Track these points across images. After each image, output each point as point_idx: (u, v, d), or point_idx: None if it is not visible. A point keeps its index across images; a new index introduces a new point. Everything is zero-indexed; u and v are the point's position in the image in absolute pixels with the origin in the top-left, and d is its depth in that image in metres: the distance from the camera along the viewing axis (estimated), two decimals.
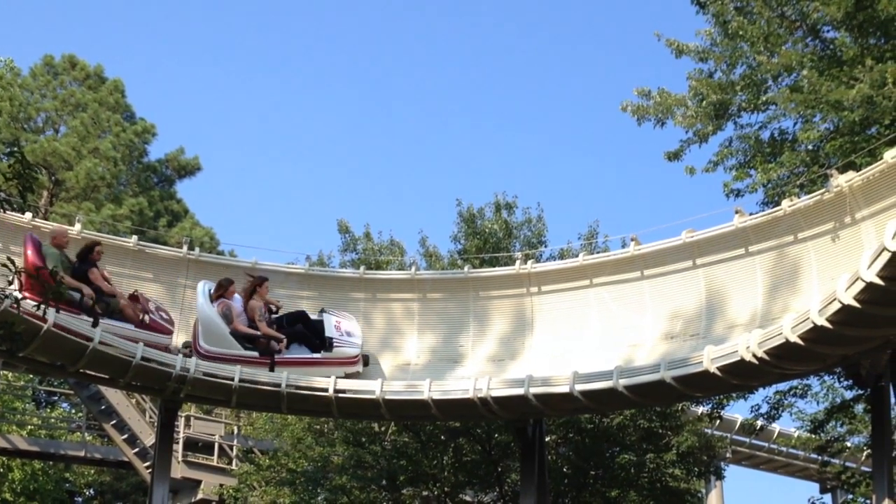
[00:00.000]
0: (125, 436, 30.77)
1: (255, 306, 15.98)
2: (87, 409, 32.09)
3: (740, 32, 17.83)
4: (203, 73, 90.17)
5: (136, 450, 30.82)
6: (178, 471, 31.03)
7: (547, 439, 20.26)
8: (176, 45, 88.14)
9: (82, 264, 15.23)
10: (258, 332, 15.78)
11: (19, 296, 11.56)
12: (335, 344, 15.89)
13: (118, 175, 38.17)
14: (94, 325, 14.60)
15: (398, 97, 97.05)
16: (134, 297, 15.68)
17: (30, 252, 14.79)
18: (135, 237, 16.99)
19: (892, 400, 13.86)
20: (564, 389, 14.30)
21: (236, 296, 16.08)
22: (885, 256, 10.45)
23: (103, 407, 30.52)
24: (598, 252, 21.94)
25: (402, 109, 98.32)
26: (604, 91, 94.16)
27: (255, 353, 15.64)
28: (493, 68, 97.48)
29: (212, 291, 15.96)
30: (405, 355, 17.05)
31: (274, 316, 16.43)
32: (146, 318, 15.48)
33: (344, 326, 16.30)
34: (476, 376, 15.14)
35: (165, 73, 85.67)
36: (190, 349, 15.78)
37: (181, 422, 31.54)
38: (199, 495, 32.60)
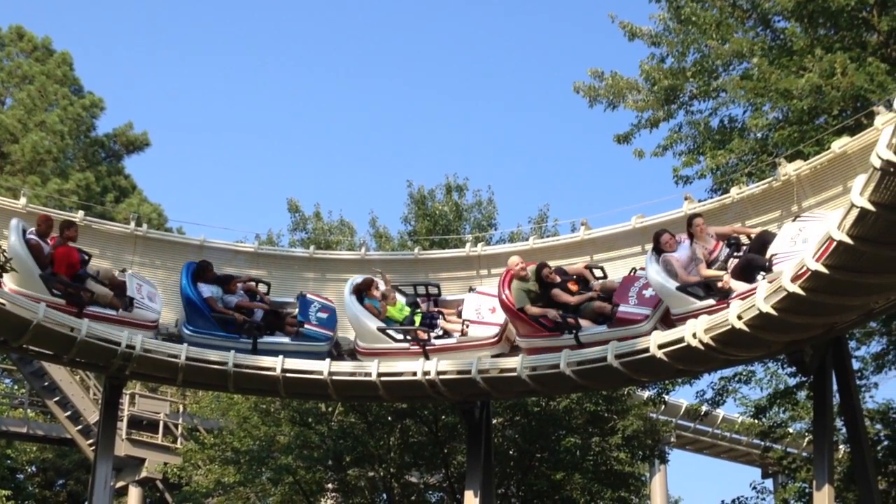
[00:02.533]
0: (68, 413, 30.54)
1: (693, 250, 13.86)
2: (30, 385, 31.78)
3: (693, 18, 17.95)
4: (153, 48, 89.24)
5: (80, 427, 30.60)
6: (122, 449, 30.88)
7: (494, 421, 20.34)
8: (125, 18, 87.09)
9: (545, 289, 14.76)
10: (700, 278, 13.60)
11: None
12: (774, 263, 12.93)
13: (65, 149, 37.63)
14: (578, 342, 14.20)
15: (350, 76, 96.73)
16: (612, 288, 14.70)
17: (505, 293, 14.72)
18: (81, 212, 16.73)
19: (834, 387, 14.02)
20: (512, 372, 14.34)
21: (683, 244, 13.94)
22: (831, 245, 10.56)
23: (46, 383, 30.25)
24: (547, 236, 22.01)
25: (355, 89, 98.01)
26: (556, 75, 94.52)
27: (712, 301, 13.29)
28: (445, 49, 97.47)
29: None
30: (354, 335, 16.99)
31: (744, 246, 13.99)
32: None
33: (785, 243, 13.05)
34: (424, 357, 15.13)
35: (115, 47, 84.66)
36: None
37: (125, 399, 31.34)
38: (143, 473, 32.48)
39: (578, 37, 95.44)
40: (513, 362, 14.41)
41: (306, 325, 15.74)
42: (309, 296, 16.39)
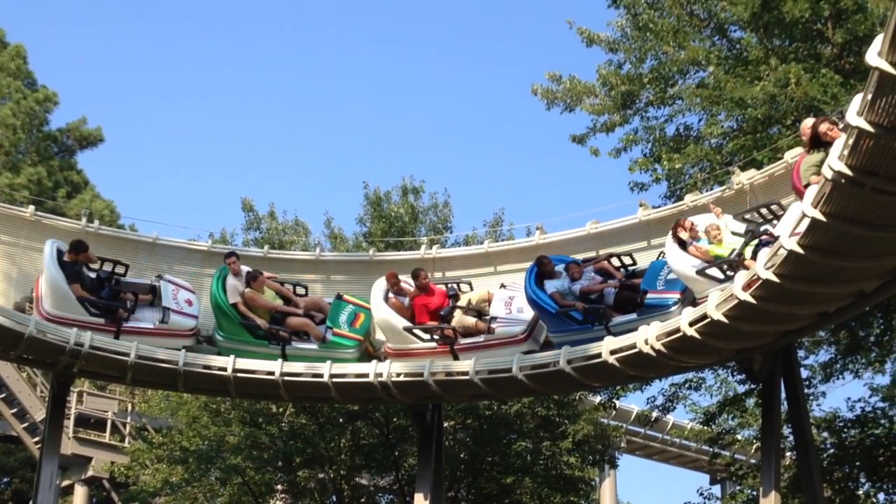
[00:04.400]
0: (14, 410, 30.17)
1: None
2: None
3: (650, 25, 18.06)
4: (108, 43, 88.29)
5: (26, 424, 30.23)
6: (69, 447, 30.53)
7: (445, 424, 20.33)
8: (80, 12, 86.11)
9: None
10: None
11: None
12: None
13: (17, 143, 37.10)
14: None
15: (305, 75, 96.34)
16: None
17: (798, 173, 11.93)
18: (32, 207, 16.52)
19: (783, 395, 14.16)
20: (464, 375, 14.34)
21: None
22: (783, 254, 10.67)
23: None
24: (503, 239, 22.08)
25: (310, 88, 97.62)
26: (513, 79, 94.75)
27: None
28: (402, 49, 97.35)
29: None
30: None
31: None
32: None
33: None
34: (378, 359, 15.09)
35: (69, 41, 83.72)
36: None
37: (73, 397, 30.99)
38: (90, 472, 32.14)
39: (536, 40, 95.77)
40: (465, 366, 14.41)
41: (649, 294, 13.92)
42: (661, 258, 14.30)
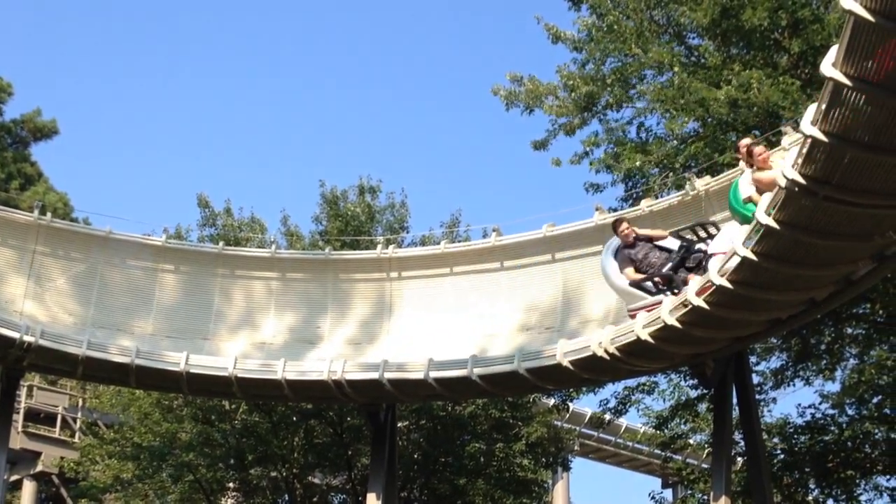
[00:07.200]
0: None
1: None
2: None
3: (615, 26, 18.05)
4: (63, 34, 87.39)
5: None
6: (18, 441, 30.23)
7: (399, 425, 20.31)
8: (35, 2, 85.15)
9: None
10: None
11: None
12: None
13: None
14: None
15: (262, 71, 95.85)
16: None
17: None
18: None
19: (734, 400, 14.26)
20: (419, 376, 14.33)
21: None
22: (735, 261, 10.74)
23: None
24: (459, 241, 22.10)
25: (267, 85, 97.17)
26: (471, 80, 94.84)
27: None
28: (360, 47, 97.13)
29: None
30: (262, 334, 16.85)
31: None
32: None
33: None
34: (332, 359, 15.04)
35: (24, 31, 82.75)
36: None
37: (23, 391, 30.66)
38: (39, 467, 31.83)
39: (495, 41, 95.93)
40: (419, 366, 14.41)
41: None
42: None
